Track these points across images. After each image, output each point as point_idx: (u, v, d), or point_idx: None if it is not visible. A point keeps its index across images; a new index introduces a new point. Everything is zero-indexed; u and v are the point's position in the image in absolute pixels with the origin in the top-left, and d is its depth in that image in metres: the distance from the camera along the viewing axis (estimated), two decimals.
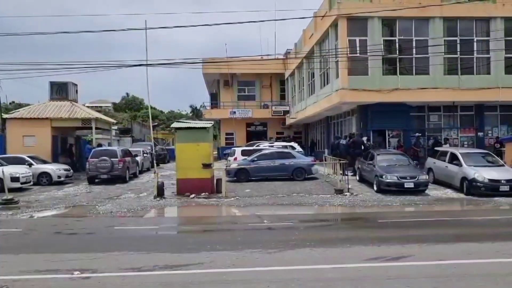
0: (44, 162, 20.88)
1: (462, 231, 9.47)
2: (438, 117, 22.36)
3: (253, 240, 8.65)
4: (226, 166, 19.32)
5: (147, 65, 16.52)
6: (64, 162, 23.94)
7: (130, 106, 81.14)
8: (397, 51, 20.79)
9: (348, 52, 19.93)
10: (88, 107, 35.95)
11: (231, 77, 37.38)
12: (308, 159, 20.48)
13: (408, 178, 14.87)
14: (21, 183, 17.40)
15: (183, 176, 15.42)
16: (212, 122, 18.97)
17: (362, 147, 19.11)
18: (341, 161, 16.77)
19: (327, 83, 23.43)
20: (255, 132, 38.16)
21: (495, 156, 17.10)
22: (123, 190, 17.54)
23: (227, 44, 54.78)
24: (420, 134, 21.52)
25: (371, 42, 20.04)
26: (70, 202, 14.67)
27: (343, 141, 20.56)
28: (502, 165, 15.79)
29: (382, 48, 20.24)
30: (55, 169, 20.12)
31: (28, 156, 20.00)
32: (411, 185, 14.76)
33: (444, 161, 16.63)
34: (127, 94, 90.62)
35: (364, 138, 20.28)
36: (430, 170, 17.49)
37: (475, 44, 20.92)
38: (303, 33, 30.06)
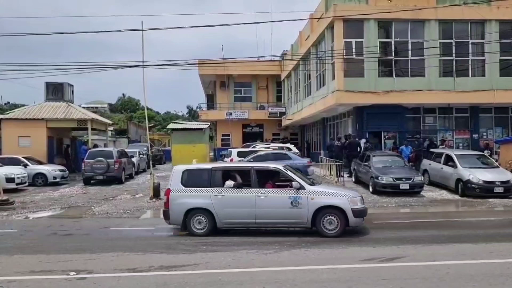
0: (40, 163, 20.81)
1: (457, 232, 9.52)
2: (434, 119, 22.41)
3: (249, 241, 8.67)
4: None
5: (143, 66, 16.49)
6: (60, 163, 23.88)
7: (126, 107, 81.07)
8: (393, 53, 20.86)
9: (344, 54, 19.98)
10: (84, 108, 35.86)
11: (227, 78, 37.37)
12: (304, 161, 20.50)
13: (403, 179, 14.93)
14: (16, 184, 17.34)
15: None
16: (208, 123, 18.95)
17: (358, 149, 19.15)
18: (337, 163, 16.82)
19: (323, 85, 23.49)
20: (251, 133, 38.15)
21: (490, 157, 17.22)
22: (119, 191, 17.51)
23: (223, 46, 54.73)
24: (418, 136, 21.55)
25: (367, 44, 20.11)
26: (65, 203, 14.64)
27: (337, 143, 20.59)
28: (497, 167, 15.89)
29: (378, 50, 20.31)
30: (51, 170, 20.07)
31: (23, 157, 19.94)
32: (407, 186, 14.82)
33: (439, 162, 16.72)
34: (123, 95, 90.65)
35: (363, 140, 20.30)
36: (425, 171, 17.57)
37: (470, 46, 21.04)
38: (299, 34, 30.12)
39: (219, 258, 7.29)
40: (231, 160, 21.90)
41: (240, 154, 22.11)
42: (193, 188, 9.46)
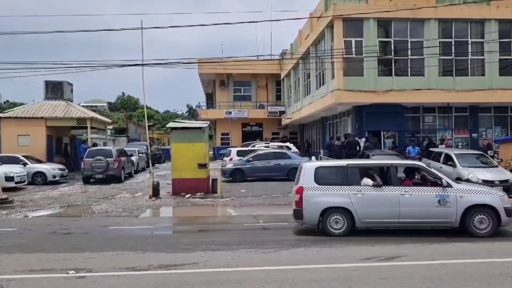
0: (39, 161, 20.80)
1: (456, 231, 9.51)
2: (433, 118, 22.42)
3: (248, 240, 8.67)
4: (222, 166, 19.34)
5: (143, 65, 16.49)
6: (59, 161, 23.85)
7: (126, 106, 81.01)
8: (393, 52, 20.86)
9: (344, 53, 19.98)
10: (83, 106, 35.82)
11: (227, 77, 37.36)
12: (304, 160, 20.49)
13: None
14: (16, 183, 17.33)
15: (178, 176, 15.41)
16: (208, 122, 18.95)
17: (358, 148, 19.14)
18: None
19: (323, 84, 23.49)
20: (251, 132, 38.16)
21: (489, 157, 17.22)
22: (118, 190, 17.50)
23: (223, 45, 54.81)
24: (418, 136, 21.54)
25: (366, 43, 20.10)
26: (65, 202, 14.63)
27: (336, 142, 20.59)
28: (496, 166, 15.90)
29: (378, 49, 20.30)
30: (50, 168, 20.06)
31: (22, 156, 19.92)
32: None
33: (439, 162, 16.71)
34: (123, 93, 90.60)
35: (362, 139, 20.28)
36: None
37: (469, 45, 21.04)
38: (299, 33, 30.09)
39: (218, 257, 7.28)
40: (231, 159, 21.92)
41: (239, 153, 22.14)
42: (328, 186, 9.02)
